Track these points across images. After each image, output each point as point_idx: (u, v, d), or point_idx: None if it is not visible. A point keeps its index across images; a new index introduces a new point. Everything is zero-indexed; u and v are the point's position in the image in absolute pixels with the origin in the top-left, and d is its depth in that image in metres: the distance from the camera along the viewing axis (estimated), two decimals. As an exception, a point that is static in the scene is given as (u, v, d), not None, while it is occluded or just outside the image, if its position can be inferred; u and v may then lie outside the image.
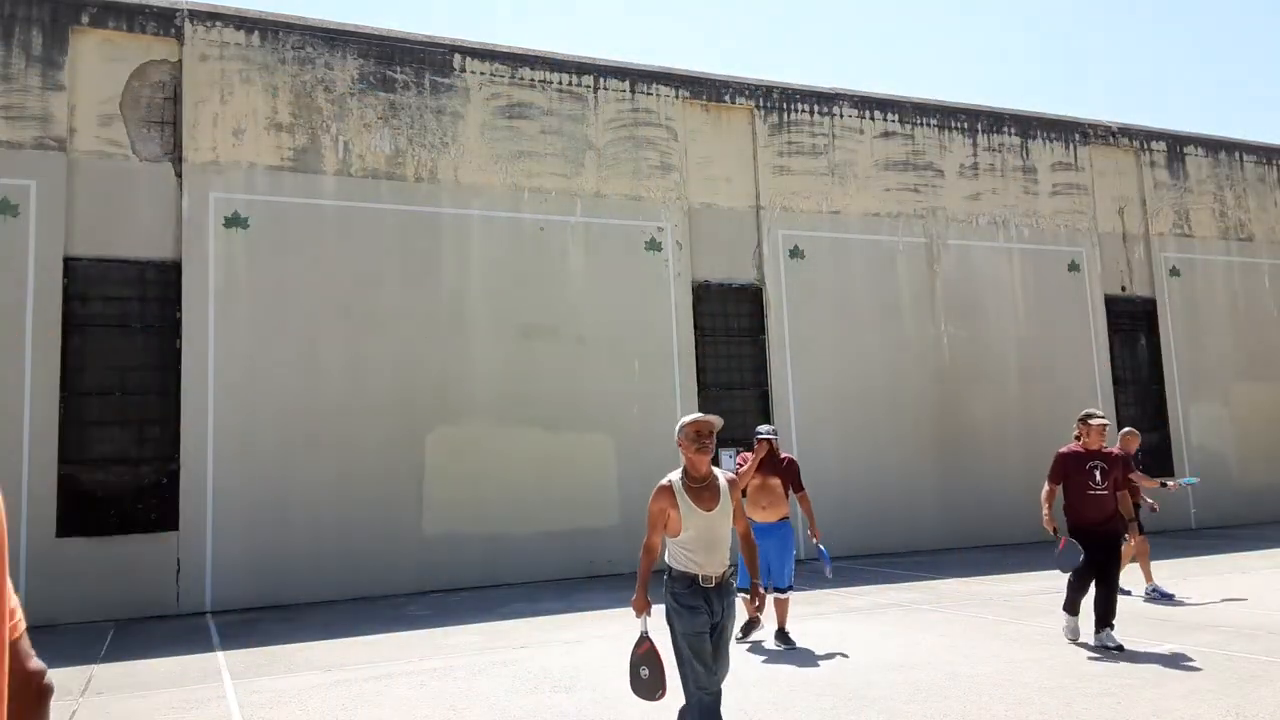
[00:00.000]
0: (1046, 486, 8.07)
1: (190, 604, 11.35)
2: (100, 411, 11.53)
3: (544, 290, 13.58)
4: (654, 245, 14.33)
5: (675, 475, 4.72)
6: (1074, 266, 17.35)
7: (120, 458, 11.54)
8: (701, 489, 4.64)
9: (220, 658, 8.52)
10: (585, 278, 13.85)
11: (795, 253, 15.20)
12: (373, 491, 12.31)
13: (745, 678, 6.98)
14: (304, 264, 12.41)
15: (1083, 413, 8.01)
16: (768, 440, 8.39)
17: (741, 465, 8.54)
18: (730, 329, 14.90)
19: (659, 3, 67.65)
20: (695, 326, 14.50)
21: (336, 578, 11.95)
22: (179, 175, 12.08)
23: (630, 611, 4.97)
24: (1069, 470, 7.86)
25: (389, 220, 12.92)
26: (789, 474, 8.47)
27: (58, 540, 11.01)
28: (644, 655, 4.68)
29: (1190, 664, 6.91)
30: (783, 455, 8.59)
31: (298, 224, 12.48)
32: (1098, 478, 7.75)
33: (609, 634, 8.87)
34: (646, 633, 4.67)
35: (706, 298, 14.74)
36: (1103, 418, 7.86)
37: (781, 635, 8.18)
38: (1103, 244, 17.77)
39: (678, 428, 4.77)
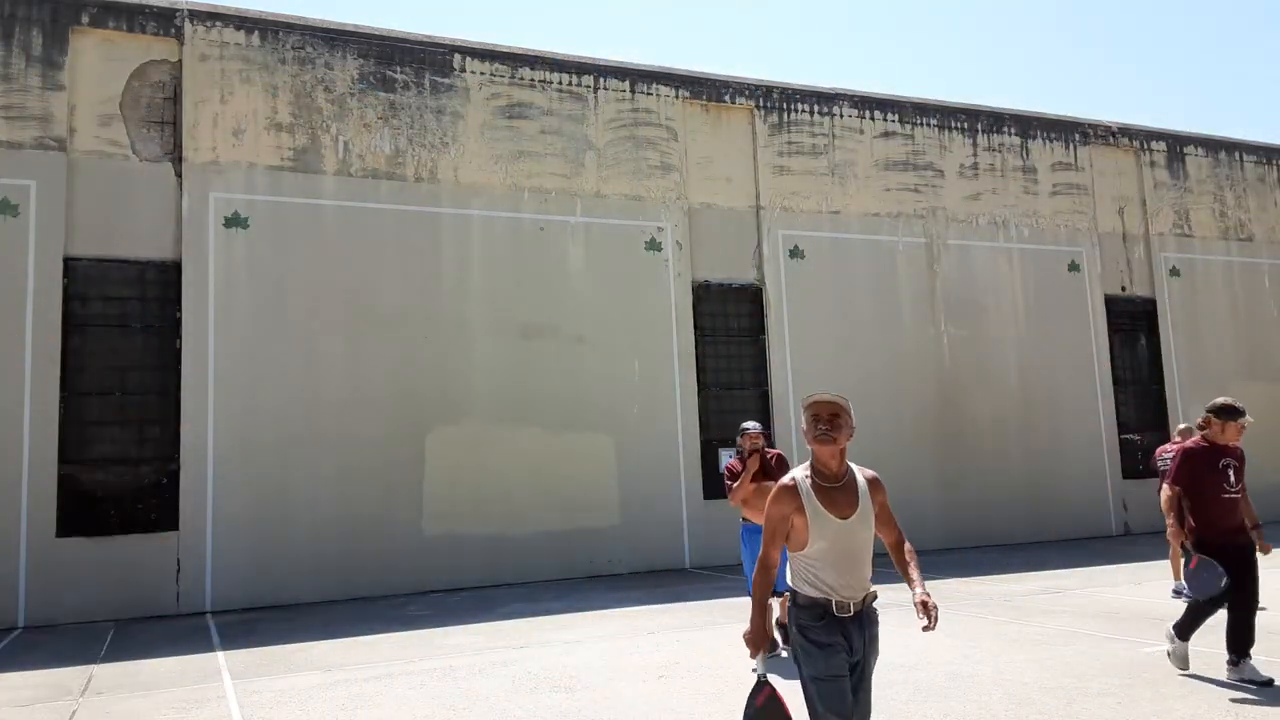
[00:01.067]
0: (1166, 491, 6.66)
1: (190, 604, 11.35)
2: (100, 411, 11.53)
3: (544, 290, 13.59)
4: (654, 245, 14.33)
5: (800, 472, 3.80)
6: (1074, 266, 17.36)
7: (120, 458, 11.54)
8: (835, 490, 3.70)
9: (220, 658, 8.52)
10: (585, 278, 13.85)
11: (795, 253, 15.21)
12: (373, 492, 12.32)
13: (745, 678, 6.97)
14: (304, 264, 12.41)
15: (1218, 403, 6.63)
16: (762, 438, 7.99)
17: (736, 468, 8.02)
18: (730, 329, 14.91)
19: (659, 3, 67.67)
20: (695, 326, 14.50)
21: (336, 578, 11.95)
22: (179, 175, 12.08)
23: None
24: (1200, 470, 6.49)
25: (389, 220, 12.92)
26: (781, 472, 7.95)
27: (58, 540, 11.01)
28: (764, 708, 3.65)
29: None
30: (770, 452, 8.12)
31: (298, 224, 12.48)
32: (1232, 478, 6.48)
33: (609, 634, 8.87)
34: (765, 676, 3.69)
35: (706, 298, 14.75)
36: (1242, 413, 6.54)
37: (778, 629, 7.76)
38: (1103, 244, 17.77)
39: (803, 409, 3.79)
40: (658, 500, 13.73)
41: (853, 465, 3.83)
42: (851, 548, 3.64)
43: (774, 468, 7.98)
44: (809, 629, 3.61)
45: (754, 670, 3.54)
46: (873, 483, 3.80)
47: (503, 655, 8.09)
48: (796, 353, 14.97)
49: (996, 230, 16.83)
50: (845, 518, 3.64)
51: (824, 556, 3.63)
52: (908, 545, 3.87)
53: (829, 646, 3.58)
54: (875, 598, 3.73)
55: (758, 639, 3.70)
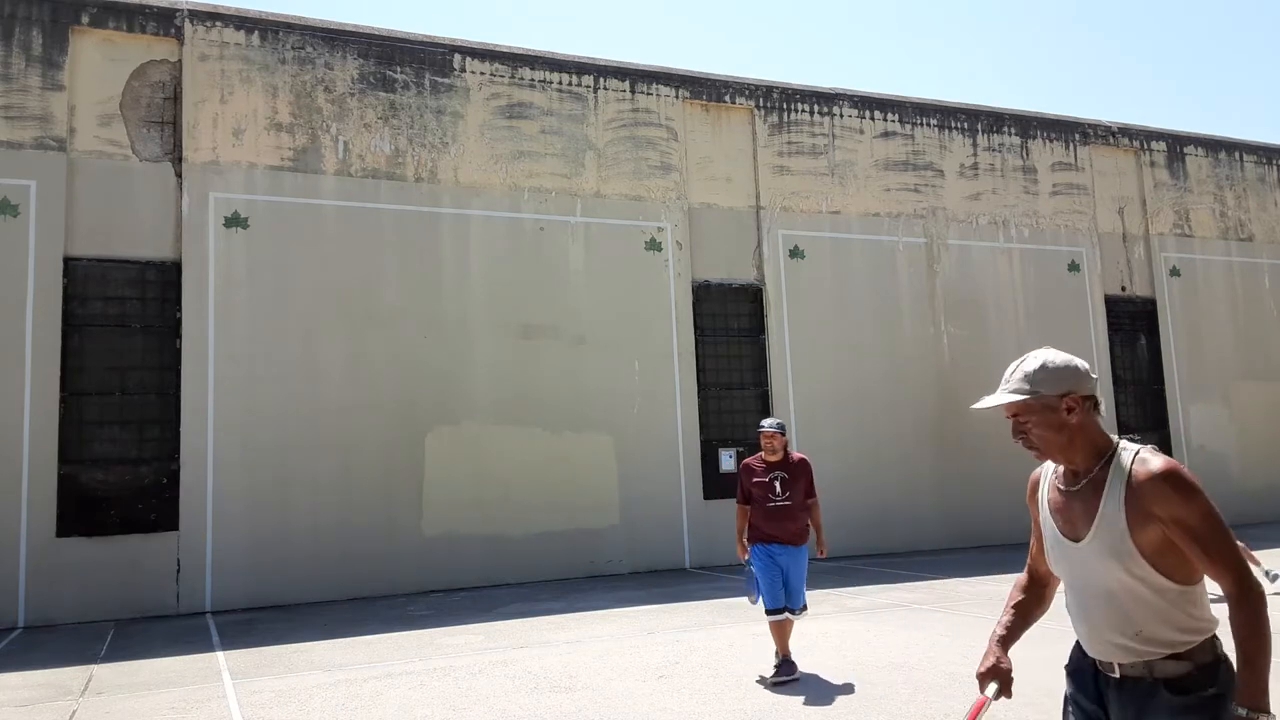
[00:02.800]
0: None
1: (190, 604, 11.35)
2: (100, 411, 11.53)
3: (544, 290, 13.58)
4: (654, 245, 14.33)
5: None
6: (1074, 266, 17.36)
7: (120, 458, 11.54)
8: (1070, 495, 2.45)
9: (220, 658, 8.52)
10: (585, 278, 13.85)
11: (795, 253, 15.21)
12: (373, 491, 12.32)
13: (745, 678, 6.98)
14: (304, 264, 12.41)
15: None
16: (779, 437, 7.03)
17: (757, 470, 7.07)
18: (730, 329, 14.90)
19: (659, 3, 67.69)
20: (695, 326, 14.50)
21: (336, 578, 11.95)
22: (179, 175, 12.08)
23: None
24: None
25: (389, 220, 12.92)
26: (805, 477, 7.09)
27: (58, 540, 11.01)
28: None
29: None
30: (794, 455, 7.18)
31: (298, 224, 12.48)
32: None
33: (609, 634, 8.87)
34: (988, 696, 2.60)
35: (706, 298, 14.74)
36: None
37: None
38: (1103, 244, 17.77)
39: None
40: (658, 500, 13.73)
41: (1123, 452, 2.38)
42: (1087, 586, 2.40)
43: (795, 469, 7.10)
44: (1068, 668, 2.67)
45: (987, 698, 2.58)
46: (1145, 486, 2.27)
47: (502, 655, 8.09)
48: (796, 353, 14.97)
49: (996, 230, 16.83)
50: (1076, 539, 2.40)
51: (1064, 587, 2.55)
52: (1253, 592, 2.24)
53: (1068, 701, 2.62)
54: (1191, 676, 2.29)
55: (991, 669, 2.59)
